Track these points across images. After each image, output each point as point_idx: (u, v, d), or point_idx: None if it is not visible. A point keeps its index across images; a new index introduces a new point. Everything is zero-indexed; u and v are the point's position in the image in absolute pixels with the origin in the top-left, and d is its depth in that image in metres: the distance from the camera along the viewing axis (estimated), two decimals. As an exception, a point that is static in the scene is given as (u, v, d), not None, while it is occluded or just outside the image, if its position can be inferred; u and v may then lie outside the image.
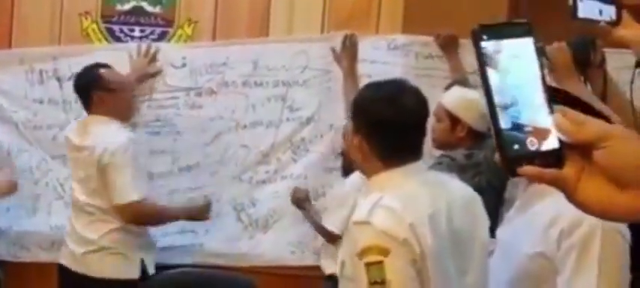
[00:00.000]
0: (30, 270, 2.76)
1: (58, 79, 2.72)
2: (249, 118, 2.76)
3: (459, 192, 1.52)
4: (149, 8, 2.89)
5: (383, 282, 1.28)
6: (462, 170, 2.21)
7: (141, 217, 2.41)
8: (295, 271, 2.75)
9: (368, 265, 1.29)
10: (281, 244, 2.71)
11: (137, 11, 2.89)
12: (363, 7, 2.84)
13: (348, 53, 2.67)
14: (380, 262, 1.28)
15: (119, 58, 2.68)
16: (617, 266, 1.35)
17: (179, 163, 2.76)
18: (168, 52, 2.79)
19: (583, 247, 1.35)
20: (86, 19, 2.88)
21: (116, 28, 2.89)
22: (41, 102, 2.59)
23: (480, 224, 1.50)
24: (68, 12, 2.87)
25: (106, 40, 2.89)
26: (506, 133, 0.66)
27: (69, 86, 2.62)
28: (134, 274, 2.42)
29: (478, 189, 2.21)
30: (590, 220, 1.35)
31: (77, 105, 2.59)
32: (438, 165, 2.25)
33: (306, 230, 2.63)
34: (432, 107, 2.37)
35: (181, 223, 2.73)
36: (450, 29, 2.62)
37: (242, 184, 2.73)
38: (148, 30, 2.89)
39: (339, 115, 2.71)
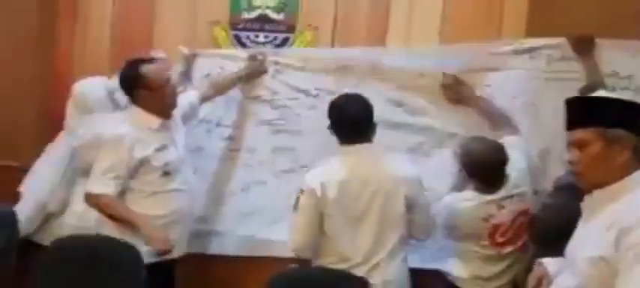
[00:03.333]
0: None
1: (189, 79, 2.98)
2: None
3: (396, 170, 2.35)
4: (273, 15, 3.04)
5: (296, 206, 2.32)
6: None
7: (99, 210, 2.47)
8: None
9: (297, 196, 2.33)
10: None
11: (262, 19, 3.05)
12: (483, 11, 2.79)
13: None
14: (298, 197, 2.32)
15: (235, 62, 2.92)
16: None
17: (300, 161, 2.85)
18: (288, 55, 2.92)
19: None
20: (216, 26, 3.08)
21: (243, 34, 3.07)
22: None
23: (404, 190, 2.31)
24: (201, 20, 3.09)
25: (234, 46, 3.07)
26: None
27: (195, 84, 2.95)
28: None
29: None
30: None
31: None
32: None
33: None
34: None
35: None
36: (579, 30, 2.52)
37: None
38: (272, 36, 3.04)
39: (456, 123, 2.70)
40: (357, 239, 2.30)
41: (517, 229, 2.42)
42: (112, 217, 2.47)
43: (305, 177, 2.36)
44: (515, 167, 2.43)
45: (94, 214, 2.55)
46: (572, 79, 2.53)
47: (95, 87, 2.83)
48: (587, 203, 1.65)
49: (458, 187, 2.54)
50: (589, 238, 1.56)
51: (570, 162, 1.65)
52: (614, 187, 1.58)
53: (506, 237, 2.43)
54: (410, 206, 2.33)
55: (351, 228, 2.31)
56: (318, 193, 2.28)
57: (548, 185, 2.43)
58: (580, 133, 1.62)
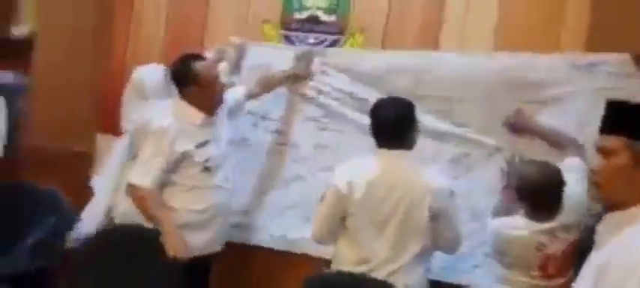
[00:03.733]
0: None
1: (238, 69, 3.04)
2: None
3: (426, 179, 2.30)
4: (324, 17, 3.04)
5: (322, 198, 2.39)
6: None
7: (135, 201, 2.51)
8: None
9: (325, 190, 2.40)
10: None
11: (312, 20, 3.05)
12: (541, 21, 2.67)
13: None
14: (325, 192, 2.38)
15: (284, 59, 2.94)
16: None
17: (341, 160, 2.81)
18: (335, 56, 2.92)
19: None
20: (267, 25, 3.11)
21: (293, 35, 3.08)
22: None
23: (429, 200, 2.26)
24: (253, 19, 3.13)
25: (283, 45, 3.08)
26: None
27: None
28: None
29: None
30: (625, 264, 1.35)
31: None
32: None
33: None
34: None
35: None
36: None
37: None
38: (322, 37, 3.03)
39: (506, 139, 2.62)
40: (376, 244, 2.29)
41: (566, 260, 2.30)
42: (142, 211, 2.51)
43: (335, 171, 2.38)
44: (570, 193, 2.29)
45: None
46: (632, 97, 2.38)
47: (152, 74, 2.89)
48: (604, 226, 1.48)
49: (503, 208, 2.43)
50: (586, 269, 1.46)
51: (592, 170, 1.53)
52: (634, 210, 1.42)
53: (557, 268, 2.30)
54: (434, 217, 2.27)
55: (372, 231, 2.30)
56: (344, 192, 2.30)
57: (597, 207, 2.31)
58: (607, 140, 1.49)
